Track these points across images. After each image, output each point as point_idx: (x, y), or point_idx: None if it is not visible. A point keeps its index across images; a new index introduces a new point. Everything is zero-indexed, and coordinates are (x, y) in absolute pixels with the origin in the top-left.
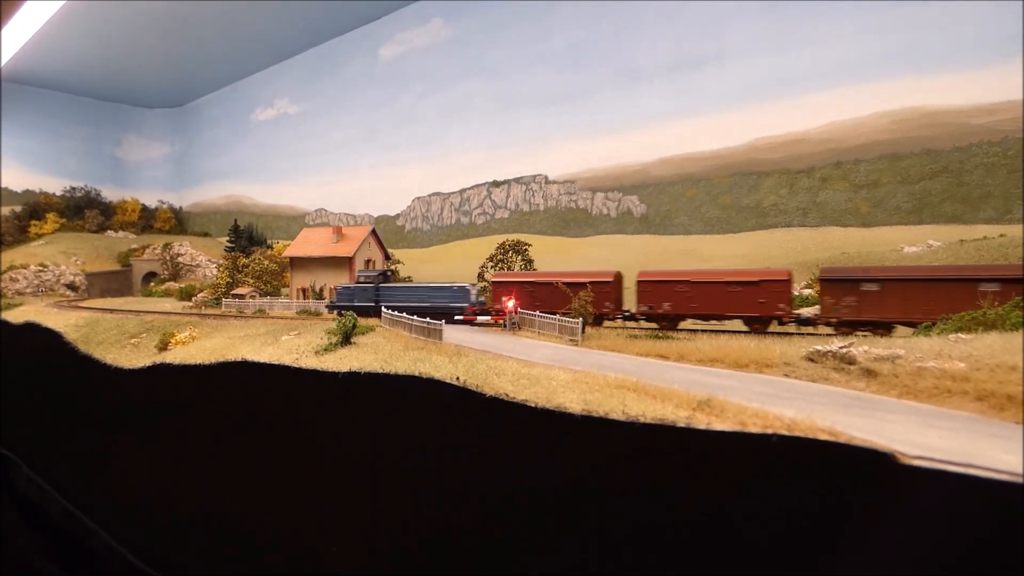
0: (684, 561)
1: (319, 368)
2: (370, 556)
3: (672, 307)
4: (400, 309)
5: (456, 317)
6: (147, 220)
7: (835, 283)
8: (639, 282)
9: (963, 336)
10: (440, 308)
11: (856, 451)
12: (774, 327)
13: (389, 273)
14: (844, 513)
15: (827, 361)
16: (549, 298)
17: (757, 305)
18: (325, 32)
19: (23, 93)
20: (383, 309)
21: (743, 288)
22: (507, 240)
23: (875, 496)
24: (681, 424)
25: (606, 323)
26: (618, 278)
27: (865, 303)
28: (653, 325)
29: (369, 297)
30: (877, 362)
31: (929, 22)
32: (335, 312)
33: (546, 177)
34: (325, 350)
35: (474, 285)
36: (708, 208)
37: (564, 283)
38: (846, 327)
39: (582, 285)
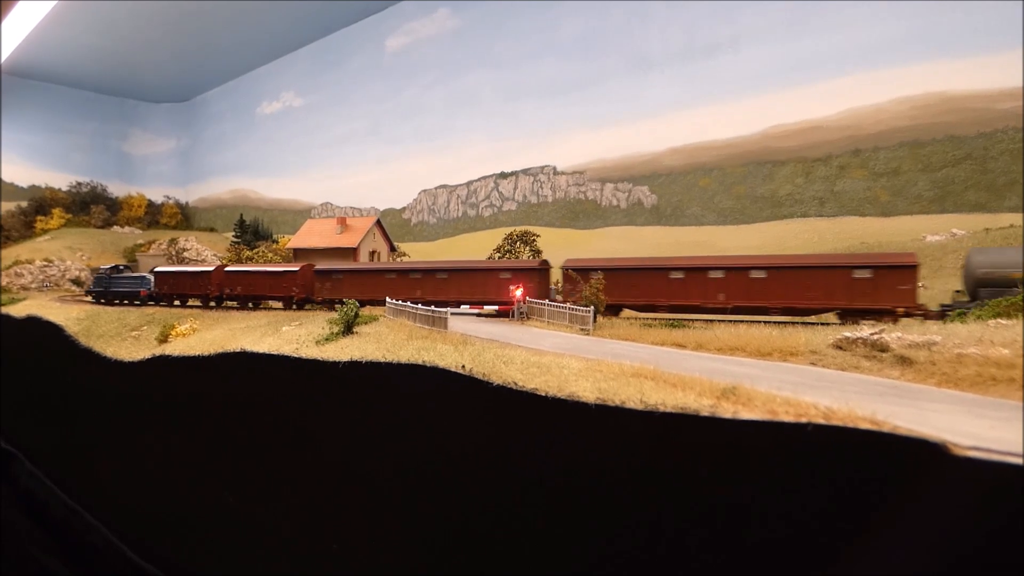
0: (713, 558)
1: (319, 358)
2: (372, 550)
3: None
4: (111, 292)
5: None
6: (153, 215)
7: (321, 273)
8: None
9: (1003, 321)
10: (127, 290)
11: (902, 441)
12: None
13: (122, 268)
14: (890, 508)
15: (857, 348)
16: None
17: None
18: (331, 24)
19: (28, 88)
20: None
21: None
22: (514, 231)
23: (925, 490)
24: (705, 413)
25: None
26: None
27: (335, 287)
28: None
29: (104, 285)
30: (912, 349)
31: (951, 3)
32: (89, 295)
33: (554, 168)
34: (326, 340)
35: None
36: (721, 198)
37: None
38: (327, 303)
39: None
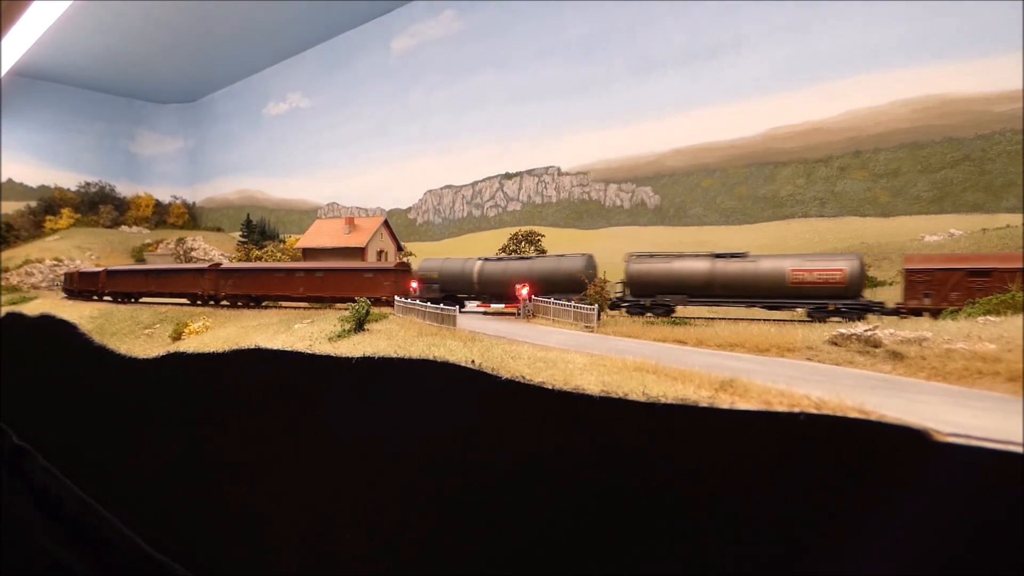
0: (708, 542)
1: (333, 354)
2: (385, 542)
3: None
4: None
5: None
6: (160, 215)
7: (110, 274)
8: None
9: (992, 318)
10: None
11: (887, 428)
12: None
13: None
14: (876, 491)
15: (851, 344)
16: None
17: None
18: (337, 25)
19: (37, 88)
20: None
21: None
22: (520, 231)
23: (908, 474)
24: (703, 404)
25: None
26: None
27: (111, 283)
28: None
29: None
30: (903, 344)
31: (950, 6)
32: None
33: (558, 169)
34: (338, 337)
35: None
36: (724, 199)
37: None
38: (113, 295)
39: None
